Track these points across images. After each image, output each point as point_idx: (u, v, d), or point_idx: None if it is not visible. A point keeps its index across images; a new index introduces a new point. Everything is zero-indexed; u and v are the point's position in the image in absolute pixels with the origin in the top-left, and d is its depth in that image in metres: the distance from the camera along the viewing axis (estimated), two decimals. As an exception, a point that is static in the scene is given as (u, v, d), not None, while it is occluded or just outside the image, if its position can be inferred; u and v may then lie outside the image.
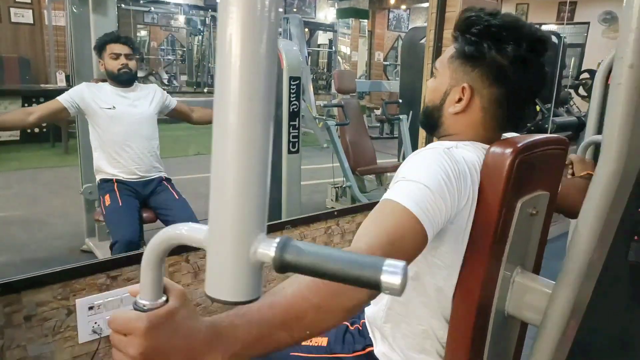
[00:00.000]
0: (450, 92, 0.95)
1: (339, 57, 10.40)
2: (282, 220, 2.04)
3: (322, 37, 11.77)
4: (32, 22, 6.86)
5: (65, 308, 1.47)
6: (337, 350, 1.12)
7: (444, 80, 0.96)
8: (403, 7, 11.26)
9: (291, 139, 2.88)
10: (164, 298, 0.53)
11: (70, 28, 2.77)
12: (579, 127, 4.67)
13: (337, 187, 4.17)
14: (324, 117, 6.02)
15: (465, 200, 0.84)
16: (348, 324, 1.19)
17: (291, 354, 1.18)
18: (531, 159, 0.86)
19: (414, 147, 4.04)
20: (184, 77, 10.91)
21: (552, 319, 0.85)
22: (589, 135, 1.82)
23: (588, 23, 10.81)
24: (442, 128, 0.98)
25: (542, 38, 0.89)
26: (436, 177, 0.79)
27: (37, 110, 2.25)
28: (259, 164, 0.43)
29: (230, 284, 0.44)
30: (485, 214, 0.84)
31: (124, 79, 2.33)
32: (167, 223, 2.36)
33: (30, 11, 6.84)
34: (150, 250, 0.51)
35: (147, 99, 2.43)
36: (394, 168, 4.13)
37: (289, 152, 2.89)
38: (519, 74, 0.87)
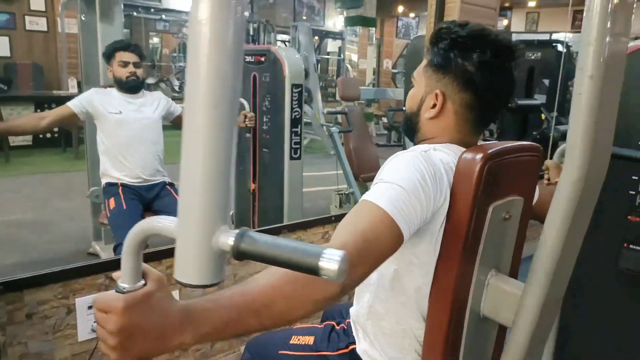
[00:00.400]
0: (426, 98, 1.01)
1: (347, 65, 10.45)
2: (279, 225, 2.08)
3: (332, 45, 11.84)
4: (46, 29, 7.02)
5: (65, 307, 1.53)
6: (323, 348, 1.16)
7: (420, 89, 1.03)
8: (412, 15, 11.32)
9: (293, 146, 2.93)
10: (143, 282, 0.60)
11: (80, 36, 2.85)
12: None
13: (341, 194, 4.21)
14: (331, 124, 6.08)
15: (442, 200, 0.88)
16: (334, 324, 1.23)
17: (279, 352, 1.22)
18: (502, 165, 0.90)
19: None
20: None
21: (521, 320, 0.88)
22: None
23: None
24: (420, 133, 1.04)
25: (506, 45, 0.94)
26: (412, 178, 0.83)
27: (49, 116, 2.32)
28: (222, 164, 0.49)
29: (194, 269, 0.51)
30: (456, 217, 0.88)
31: (131, 86, 2.39)
32: (169, 227, 2.41)
33: (45, 19, 6.99)
34: (129, 240, 0.58)
35: (153, 105, 2.50)
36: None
37: (291, 158, 2.94)
38: (485, 79, 0.93)
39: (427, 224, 0.88)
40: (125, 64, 2.35)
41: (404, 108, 3.98)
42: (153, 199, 2.50)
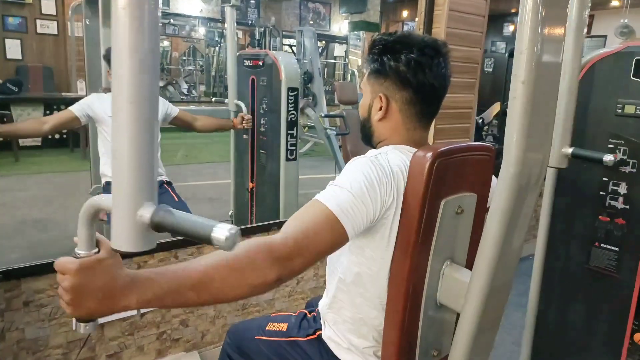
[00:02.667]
0: (373, 103, 1.11)
1: (353, 69, 10.54)
2: (269, 222, 2.16)
3: (339, 49, 11.94)
4: (56, 33, 7.19)
5: (61, 296, 1.62)
6: (294, 334, 1.24)
7: (367, 96, 1.13)
8: (417, 19, 11.37)
9: (289, 147, 3.01)
10: (96, 250, 0.70)
11: (84, 40, 2.96)
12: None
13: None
14: (334, 128, 6.16)
15: (391, 199, 0.96)
16: (307, 312, 1.31)
17: (256, 337, 1.31)
18: (452, 162, 0.97)
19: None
20: (202, 87, 11.16)
21: (469, 305, 0.94)
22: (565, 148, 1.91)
23: (605, 36, 10.77)
24: (375, 136, 1.13)
25: (430, 43, 1.04)
26: (359, 183, 0.93)
27: (51, 120, 2.40)
28: (146, 149, 0.60)
29: (124, 238, 0.62)
30: (409, 211, 0.95)
31: None
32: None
33: (55, 23, 7.16)
34: (83, 212, 0.69)
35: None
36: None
37: (287, 159, 3.02)
38: (417, 75, 1.03)
39: (378, 222, 0.97)
40: None
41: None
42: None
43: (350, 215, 0.90)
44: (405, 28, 11.51)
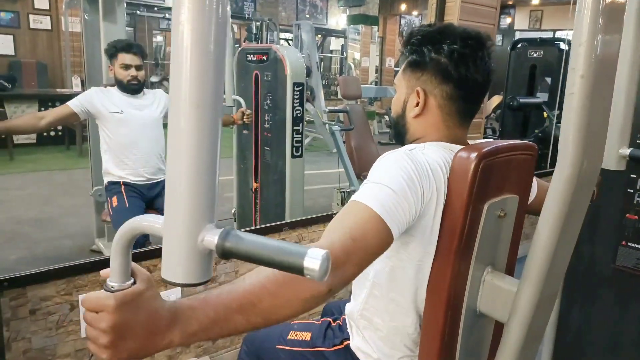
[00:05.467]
0: (409, 99, 1.04)
1: (350, 63, 10.46)
2: (280, 222, 2.10)
3: (335, 43, 11.84)
4: (50, 28, 7.06)
5: (68, 303, 1.55)
6: (319, 344, 1.18)
7: (401, 91, 1.06)
8: (414, 13, 11.30)
9: (294, 144, 2.94)
10: (132, 281, 0.60)
11: (83, 34, 2.87)
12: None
13: (343, 192, 4.22)
14: (333, 122, 6.08)
15: (429, 196, 0.89)
16: (331, 320, 1.24)
17: (277, 347, 1.24)
18: (497, 163, 0.91)
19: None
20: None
21: (517, 316, 0.89)
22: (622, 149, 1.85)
23: None
24: (409, 134, 1.06)
25: (473, 35, 0.97)
26: (397, 178, 0.85)
27: (48, 115, 2.33)
28: (207, 163, 0.50)
29: (180, 267, 0.51)
30: (452, 215, 0.89)
31: (132, 89, 2.41)
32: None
33: (49, 17, 7.03)
34: (118, 239, 0.58)
35: (154, 103, 2.51)
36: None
37: (293, 156, 2.96)
38: (460, 68, 0.96)
39: (417, 221, 0.90)
40: (126, 67, 2.37)
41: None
42: (155, 197, 2.52)
43: (394, 213, 0.82)
44: (403, 21, 11.44)
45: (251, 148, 3.23)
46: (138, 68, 2.39)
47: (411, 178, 0.86)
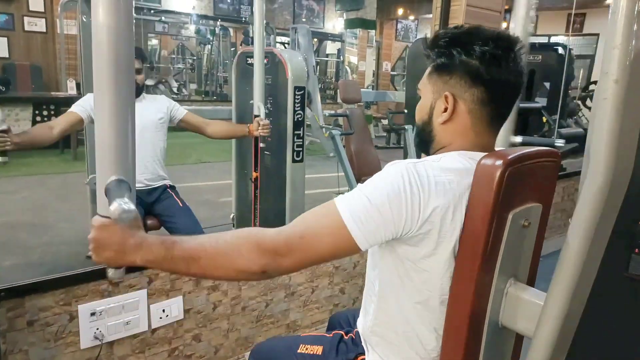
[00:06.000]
0: (435, 104, 0.99)
1: (346, 67, 10.44)
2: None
3: (331, 47, 11.83)
4: (44, 30, 6.99)
5: (67, 313, 1.50)
6: (331, 358, 1.13)
7: (427, 96, 1.01)
8: (411, 17, 11.31)
9: (295, 148, 2.90)
10: None
11: (80, 37, 2.82)
12: (585, 138, 4.64)
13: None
14: (330, 127, 6.05)
15: (429, 212, 0.85)
16: (343, 333, 1.20)
17: (287, 362, 1.20)
18: (522, 170, 0.87)
19: (419, 156, 4.04)
20: (193, 86, 11.01)
21: (545, 330, 0.85)
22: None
23: (597, 34, 10.80)
24: (436, 141, 1.00)
25: (504, 36, 0.93)
26: (382, 191, 0.86)
27: (58, 124, 2.21)
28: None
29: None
30: (475, 225, 0.85)
31: None
32: (171, 230, 2.38)
33: (44, 20, 6.96)
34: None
35: (154, 108, 2.47)
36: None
37: (293, 161, 2.92)
38: (491, 70, 0.91)
39: (414, 236, 0.87)
40: None
41: (405, 110, 3.96)
42: (153, 202, 2.47)
43: (363, 223, 0.84)
44: (400, 26, 11.45)
45: (250, 152, 3.18)
46: (137, 71, 2.34)
47: (398, 194, 0.85)
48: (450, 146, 0.97)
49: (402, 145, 8.58)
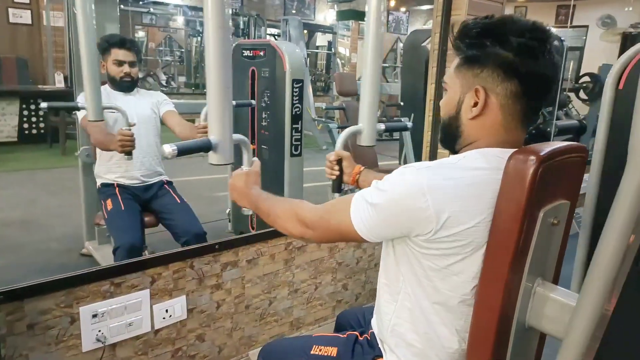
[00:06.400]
0: (464, 99, 0.95)
1: (337, 59, 10.36)
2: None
3: (321, 39, 11.72)
4: (30, 22, 6.82)
5: (68, 316, 1.45)
6: (347, 360, 1.10)
7: (455, 90, 0.96)
8: (402, 9, 11.25)
9: (294, 142, 2.86)
10: (248, 168, 1.32)
11: (70, 30, 2.73)
12: (580, 130, 4.66)
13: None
14: (323, 119, 6.00)
15: (446, 216, 0.83)
16: (357, 334, 1.17)
17: (303, 364, 1.17)
18: (553, 167, 0.84)
19: (416, 149, 4.01)
20: (182, 79, 10.88)
21: (576, 331, 0.82)
22: (597, 139, 1.78)
23: (587, 26, 10.83)
24: (463, 137, 0.96)
25: (540, 27, 0.89)
26: (388, 194, 0.90)
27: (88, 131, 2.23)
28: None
29: None
30: (506, 224, 0.82)
31: (125, 87, 2.30)
32: (169, 227, 2.33)
33: (29, 12, 6.79)
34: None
35: (150, 103, 2.41)
36: (396, 171, 4.10)
37: (292, 154, 2.87)
38: (527, 63, 0.87)
39: (437, 240, 0.86)
40: (120, 63, 2.26)
41: (401, 103, 3.90)
42: (150, 199, 2.41)
43: (366, 222, 0.93)
44: (391, 18, 11.38)
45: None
46: (132, 64, 2.28)
47: (403, 198, 0.87)
48: (478, 142, 0.94)
49: (395, 138, 8.57)
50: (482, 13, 2.27)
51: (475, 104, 0.92)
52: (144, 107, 2.39)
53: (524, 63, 0.86)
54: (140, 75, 9.03)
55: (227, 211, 3.48)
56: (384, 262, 1.03)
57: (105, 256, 2.86)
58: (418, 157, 4.04)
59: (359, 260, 2.26)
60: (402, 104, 4.13)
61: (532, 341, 0.99)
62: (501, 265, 0.83)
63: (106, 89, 2.31)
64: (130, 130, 2.02)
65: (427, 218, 0.84)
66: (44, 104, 2.13)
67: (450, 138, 0.99)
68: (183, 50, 10.95)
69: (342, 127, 3.63)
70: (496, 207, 0.83)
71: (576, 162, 0.93)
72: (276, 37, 9.17)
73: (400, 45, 10.45)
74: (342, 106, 3.74)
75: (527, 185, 0.79)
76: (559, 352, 0.86)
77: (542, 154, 0.81)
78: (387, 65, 10.24)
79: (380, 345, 1.06)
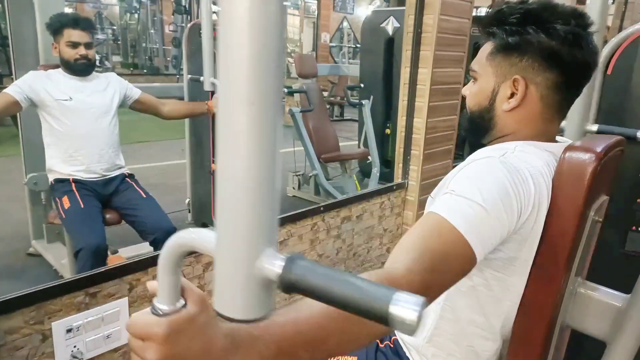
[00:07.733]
0: (500, 89, 0.88)
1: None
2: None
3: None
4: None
5: (39, 333, 1.29)
6: (371, 370, 1.02)
7: (488, 79, 0.90)
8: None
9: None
10: (182, 302, 0.51)
11: (7, 10, 2.43)
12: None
13: (299, 175, 4.05)
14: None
15: (528, 211, 0.76)
16: (378, 342, 1.10)
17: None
18: (605, 163, 0.80)
19: (376, 130, 3.96)
20: (116, 58, 10.31)
21: (626, 334, 0.80)
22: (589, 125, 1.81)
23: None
24: (496, 130, 0.90)
25: (581, 13, 0.84)
26: (492, 194, 0.72)
27: None
28: (268, 173, 0.39)
29: (235, 299, 0.42)
30: (561, 225, 0.77)
31: (80, 69, 2.08)
32: (134, 224, 2.16)
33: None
34: (166, 256, 0.49)
35: (107, 89, 2.20)
36: (360, 155, 4.06)
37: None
38: (572, 52, 0.81)
39: (508, 238, 0.78)
40: (74, 45, 2.03)
41: (361, 85, 3.83)
42: (111, 194, 2.22)
43: (482, 235, 0.71)
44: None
45: (208, 129, 2.96)
46: (87, 46, 2.06)
47: (507, 193, 0.73)
48: (514, 135, 0.88)
49: (346, 118, 8.57)
50: (453, 13, 2.21)
51: (512, 95, 0.86)
52: (104, 95, 2.18)
53: (570, 52, 0.81)
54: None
55: (187, 201, 3.31)
56: None
57: (56, 256, 2.64)
58: (378, 137, 4.02)
59: (338, 250, 2.19)
60: (362, 85, 4.07)
61: (564, 339, 0.96)
62: (555, 267, 0.79)
63: (60, 72, 2.08)
64: None
65: (522, 209, 0.76)
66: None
67: (481, 129, 0.92)
68: (115, 27, 10.37)
69: (304, 111, 3.53)
70: (550, 205, 0.78)
71: (618, 155, 0.90)
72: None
73: (346, 24, 10.40)
74: (303, 89, 3.63)
75: (585, 185, 0.75)
76: (606, 353, 0.84)
77: (599, 150, 0.76)
78: (334, 45, 10.15)
79: (410, 353, 1.00)
